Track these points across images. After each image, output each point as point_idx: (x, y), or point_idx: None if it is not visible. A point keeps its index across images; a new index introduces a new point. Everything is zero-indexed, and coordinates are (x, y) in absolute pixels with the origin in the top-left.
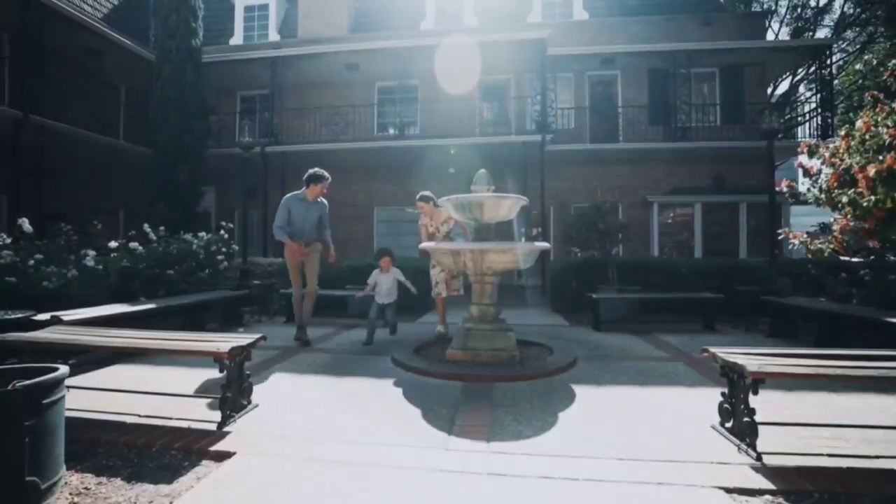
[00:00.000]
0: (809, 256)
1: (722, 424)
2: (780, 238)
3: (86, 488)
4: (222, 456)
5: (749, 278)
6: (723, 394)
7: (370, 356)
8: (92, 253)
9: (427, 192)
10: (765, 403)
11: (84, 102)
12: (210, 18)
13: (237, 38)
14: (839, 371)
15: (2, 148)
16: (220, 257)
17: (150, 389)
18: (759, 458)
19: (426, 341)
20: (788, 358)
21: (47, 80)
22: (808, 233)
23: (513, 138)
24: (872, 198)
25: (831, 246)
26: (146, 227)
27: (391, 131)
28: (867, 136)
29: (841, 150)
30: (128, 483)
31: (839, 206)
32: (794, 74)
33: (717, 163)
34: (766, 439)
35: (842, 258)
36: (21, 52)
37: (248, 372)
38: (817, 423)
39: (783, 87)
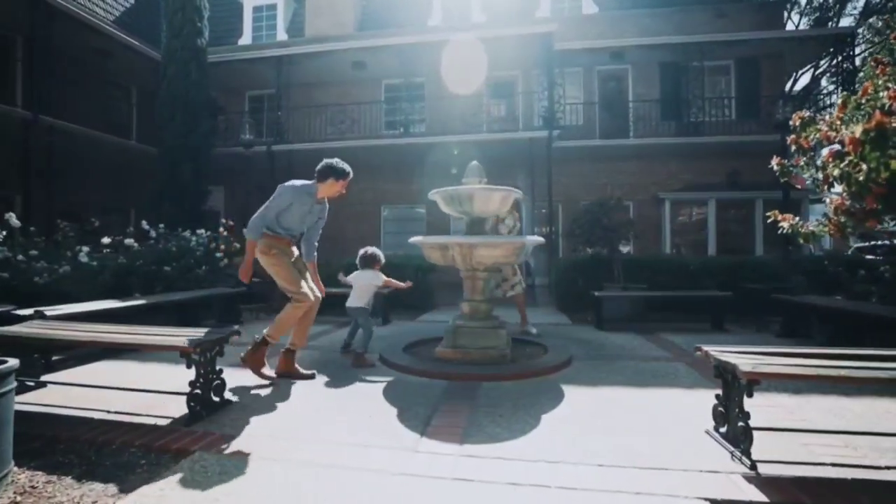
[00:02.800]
0: (801, 241)
1: (716, 429)
2: (768, 221)
3: (32, 486)
4: (181, 454)
5: (761, 276)
6: (717, 396)
7: None
8: (86, 249)
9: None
10: (769, 407)
11: (96, 104)
12: (219, 19)
13: (246, 38)
14: (843, 372)
15: (14, 148)
16: (218, 254)
17: (132, 385)
18: (753, 466)
19: (417, 339)
20: (788, 357)
21: (59, 81)
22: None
23: (520, 135)
24: (864, 166)
25: (825, 229)
26: (144, 223)
27: (399, 129)
28: (863, 101)
29: (836, 122)
30: (77, 482)
31: (833, 182)
32: (817, 67)
33: (731, 158)
34: (766, 446)
35: (865, 257)
36: (32, 55)
37: (220, 367)
38: (821, 429)
39: (804, 80)
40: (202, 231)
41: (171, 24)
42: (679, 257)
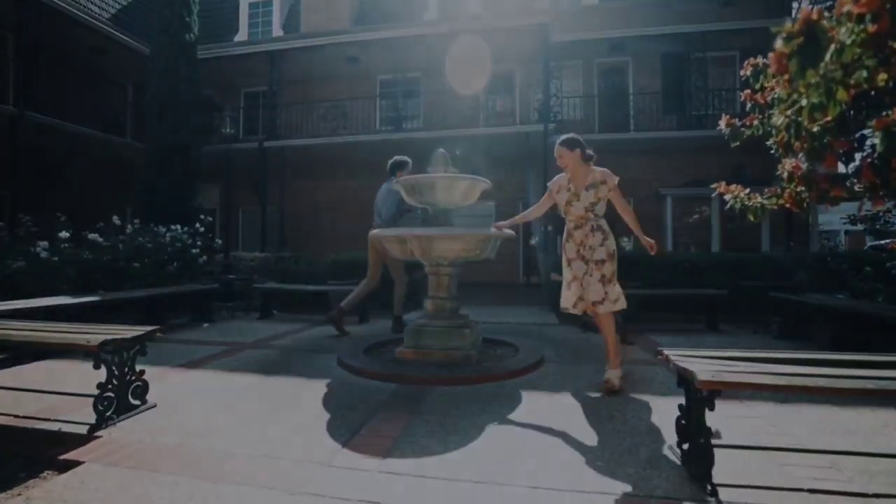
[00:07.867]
0: (751, 218)
1: (679, 445)
2: (713, 195)
3: None
4: (68, 465)
5: (764, 273)
6: (680, 407)
7: (319, 353)
8: (43, 244)
9: (573, 136)
10: (750, 419)
11: (91, 101)
12: (216, 16)
13: (242, 35)
14: (821, 382)
15: (3, 147)
16: (195, 251)
17: (62, 388)
18: (713, 491)
19: (385, 339)
20: (760, 363)
21: (52, 79)
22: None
23: (515, 129)
24: (805, 102)
25: (780, 200)
26: (115, 219)
27: (393, 126)
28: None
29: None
30: None
31: (789, 142)
32: None
33: (737, 153)
34: (735, 466)
35: (872, 254)
36: (20, 51)
37: (142, 369)
38: (799, 447)
39: None
40: (177, 227)
41: (160, 19)
42: (676, 254)
